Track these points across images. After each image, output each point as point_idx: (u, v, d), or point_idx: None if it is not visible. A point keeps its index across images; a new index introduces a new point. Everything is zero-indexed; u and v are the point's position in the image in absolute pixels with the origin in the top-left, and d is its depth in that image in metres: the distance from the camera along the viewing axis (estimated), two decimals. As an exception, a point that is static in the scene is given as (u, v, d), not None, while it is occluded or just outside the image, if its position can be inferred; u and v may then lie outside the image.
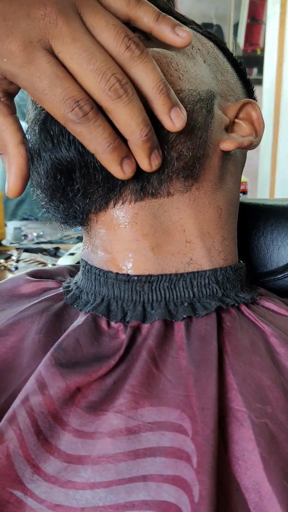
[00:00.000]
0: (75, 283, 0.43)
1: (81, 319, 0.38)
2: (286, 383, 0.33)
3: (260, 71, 2.79)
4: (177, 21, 0.33)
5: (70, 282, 0.44)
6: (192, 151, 0.37)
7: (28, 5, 0.30)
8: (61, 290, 0.43)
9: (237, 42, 3.27)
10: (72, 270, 0.49)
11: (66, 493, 0.30)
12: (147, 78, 0.31)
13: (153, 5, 0.33)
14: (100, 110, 0.31)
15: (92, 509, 0.29)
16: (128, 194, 0.37)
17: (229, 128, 0.42)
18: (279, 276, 0.48)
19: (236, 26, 3.31)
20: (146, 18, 0.33)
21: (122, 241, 0.38)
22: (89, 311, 0.38)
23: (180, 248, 0.38)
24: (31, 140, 0.36)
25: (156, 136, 0.33)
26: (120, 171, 0.33)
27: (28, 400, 0.32)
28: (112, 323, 0.37)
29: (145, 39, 0.38)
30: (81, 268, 0.42)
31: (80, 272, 0.43)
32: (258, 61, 3.05)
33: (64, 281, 0.45)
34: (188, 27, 0.44)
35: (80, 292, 0.41)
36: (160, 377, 0.33)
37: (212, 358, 0.33)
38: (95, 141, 0.31)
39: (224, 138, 0.40)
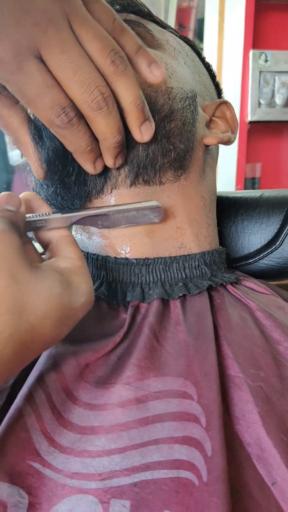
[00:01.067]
0: None
1: None
2: (274, 351, 0.37)
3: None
4: (153, 58, 0.35)
5: None
6: (184, 144, 0.41)
7: (19, 12, 0.30)
8: None
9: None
10: None
11: (82, 462, 0.31)
12: (127, 93, 0.34)
13: (135, 36, 0.35)
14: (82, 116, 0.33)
15: (110, 473, 0.31)
16: (123, 181, 0.39)
17: (208, 125, 0.46)
18: (251, 260, 0.52)
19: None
20: (127, 47, 0.34)
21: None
22: None
23: (171, 234, 0.41)
24: (35, 126, 0.38)
25: (157, 129, 0.38)
26: (93, 168, 0.37)
27: (43, 378, 0.34)
28: (112, 304, 0.39)
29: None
30: None
31: None
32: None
33: None
34: (168, 31, 0.47)
35: None
36: (162, 350, 0.36)
37: (209, 331, 0.36)
38: (75, 143, 0.34)
39: (207, 134, 0.44)
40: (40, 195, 0.42)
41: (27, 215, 0.34)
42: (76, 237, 0.44)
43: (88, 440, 0.32)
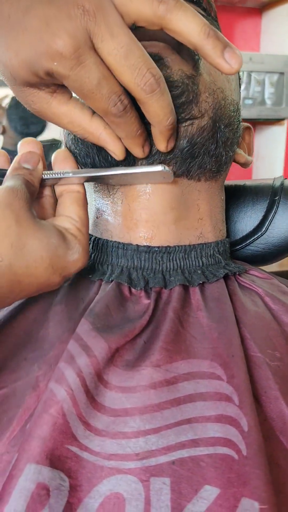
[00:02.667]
0: None
1: (105, 287, 0.40)
2: (285, 332, 0.40)
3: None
4: (228, 41, 0.32)
5: None
6: (232, 152, 0.44)
7: (67, 6, 0.30)
8: None
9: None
10: None
11: (118, 443, 0.32)
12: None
13: (198, 15, 0.31)
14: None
15: (147, 453, 0.32)
16: (174, 169, 0.40)
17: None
18: (237, 247, 0.54)
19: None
20: (188, 26, 0.31)
21: (152, 212, 0.41)
22: (112, 280, 0.40)
23: (193, 223, 0.43)
24: None
25: (220, 135, 0.40)
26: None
27: (75, 362, 0.34)
28: (134, 290, 0.40)
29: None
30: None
31: None
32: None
33: None
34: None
35: (92, 264, 0.42)
36: (186, 335, 0.37)
37: (230, 315, 0.38)
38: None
39: (238, 151, 0.48)
40: (72, 150, 0.42)
41: (43, 172, 0.37)
42: (102, 217, 0.44)
43: (123, 422, 0.33)
